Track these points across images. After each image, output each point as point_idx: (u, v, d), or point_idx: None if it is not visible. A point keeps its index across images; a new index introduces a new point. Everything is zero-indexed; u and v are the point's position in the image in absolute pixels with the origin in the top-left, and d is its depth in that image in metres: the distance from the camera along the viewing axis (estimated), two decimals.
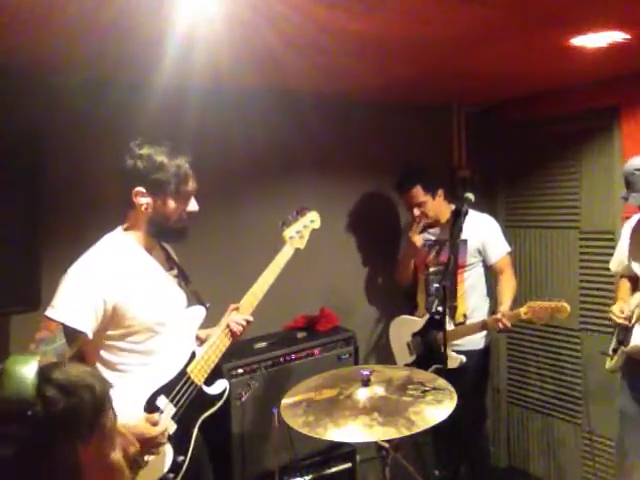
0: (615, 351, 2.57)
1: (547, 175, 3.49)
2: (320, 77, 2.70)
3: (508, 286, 3.06)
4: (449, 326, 2.97)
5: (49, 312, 1.75)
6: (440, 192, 3.18)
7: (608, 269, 2.85)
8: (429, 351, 3.01)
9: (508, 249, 3.15)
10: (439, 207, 3.18)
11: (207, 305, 2.10)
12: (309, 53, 2.23)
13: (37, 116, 2.33)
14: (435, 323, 3.00)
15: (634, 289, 2.64)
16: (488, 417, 3.39)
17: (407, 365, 3.11)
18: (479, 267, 3.16)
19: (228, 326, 2.09)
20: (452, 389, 1.98)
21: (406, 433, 1.76)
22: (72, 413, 0.78)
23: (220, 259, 2.87)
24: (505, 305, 2.95)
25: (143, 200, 1.88)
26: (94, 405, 0.81)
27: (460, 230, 2.75)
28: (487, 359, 3.22)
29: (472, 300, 3.12)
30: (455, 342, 3.00)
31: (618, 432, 2.80)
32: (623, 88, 3.02)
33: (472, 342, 3.06)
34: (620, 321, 2.52)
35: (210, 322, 2.14)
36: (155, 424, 1.79)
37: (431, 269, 3.19)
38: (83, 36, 1.88)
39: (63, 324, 1.73)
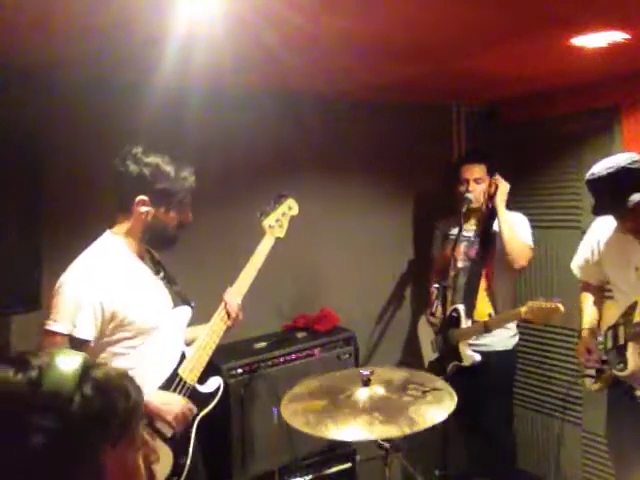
0: (599, 371, 2.41)
1: (547, 175, 3.49)
2: (320, 77, 2.70)
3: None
4: (466, 324, 3.00)
5: (53, 326, 1.72)
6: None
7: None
8: (448, 348, 3.01)
9: (530, 245, 3.06)
10: (481, 199, 3.15)
11: (192, 304, 2.10)
12: (309, 53, 2.23)
13: (37, 116, 2.33)
14: (451, 320, 3.02)
15: (598, 301, 2.50)
16: (514, 418, 3.38)
17: (432, 362, 3.13)
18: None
19: (225, 306, 2.09)
20: (452, 390, 1.98)
21: (407, 431, 1.77)
22: (105, 414, 0.79)
23: (215, 260, 2.87)
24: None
25: (144, 209, 1.85)
26: (127, 410, 0.82)
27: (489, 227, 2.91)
28: (514, 360, 3.21)
29: (500, 300, 3.09)
30: (481, 342, 3.04)
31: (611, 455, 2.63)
32: (623, 88, 3.01)
33: (500, 343, 3.07)
34: (591, 365, 2.38)
35: (195, 321, 2.13)
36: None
37: (459, 264, 3.16)
38: (83, 36, 1.88)
39: (70, 335, 1.71)
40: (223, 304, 2.11)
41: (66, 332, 1.71)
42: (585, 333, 2.49)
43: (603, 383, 2.41)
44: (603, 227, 2.44)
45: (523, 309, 2.66)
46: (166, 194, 1.87)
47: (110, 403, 0.80)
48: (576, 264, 2.62)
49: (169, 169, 1.86)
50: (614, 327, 2.35)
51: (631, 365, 2.22)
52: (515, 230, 3.01)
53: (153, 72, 2.18)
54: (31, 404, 0.75)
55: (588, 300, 2.58)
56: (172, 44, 1.88)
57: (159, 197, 1.86)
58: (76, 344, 1.71)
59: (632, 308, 2.25)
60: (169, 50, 1.93)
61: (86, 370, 0.81)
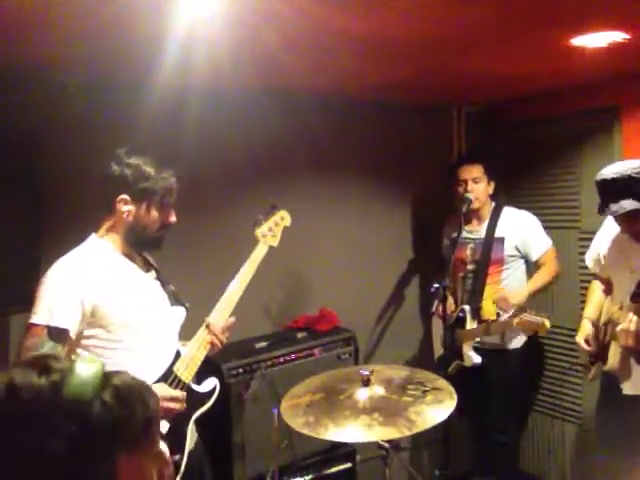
0: (593, 363, 2.55)
1: (547, 175, 3.49)
2: (320, 77, 2.70)
3: (538, 277, 3.11)
4: (471, 325, 3.01)
5: (33, 319, 1.74)
6: (492, 184, 3.19)
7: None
8: (454, 347, 3.03)
9: (550, 243, 3.15)
10: (486, 197, 3.18)
11: (186, 305, 2.11)
12: (309, 53, 2.23)
13: (37, 116, 2.33)
14: (458, 321, 3.05)
15: (607, 292, 2.59)
16: (515, 419, 3.38)
17: (440, 356, 3.14)
18: (520, 265, 3.15)
19: (208, 327, 2.09)
20: (452, 389, 1.98)
21: (407, 433, 1.77)
22: (123, 422, 0.80)
23: (214, 260, 2.85)
24: (525, 290, 3.06)
25: (125, 208, 1.89)
26: (145, 419, 0.83)
27: (494, 228, 3.00)
28: (521, 359, 3.21)
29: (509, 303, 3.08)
30: (488, 340, 3.05)
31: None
32: (623, 88, 3.01)
33: (507, 341, 3.07)
34: (588, 349, 2.52)
35: (190, 323, 2.13)
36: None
37: (469, 267, 3.18)
38: (83, 36, 1.88)
39: (47, 326, 1.72)
40: (205, 327, 2.09)
41: (44, 323, 1.72)
42: (585, 323, 2.59)
43: (595, 373, 2.54)
44: (614, 224, 2.50)
45: (515, 320, 2.75)
46: (147, 193, 1.90)
47: (129, 411, 0.81)
48: (588, 256, 2.71)
49: (150, 169, 1.89)
50: (606, 324, 2.46)
51: (609, 362, 2.41)
52: (541, 279, 3.12)
53: (153, 72, 2.18)
54: (53, 407, 0.76)
55: (596, 291, 2.67)
56: (172, 44, 1.88)
57: (140, 196, 1.89)
58: (54, 334, 1.72)
59: (620, 309, 2.34)
60: (169, 50, 1.93)
61: (106, 377, 0.82)
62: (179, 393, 1.90)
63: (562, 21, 1.98)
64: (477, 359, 2.95)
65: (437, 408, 1.87)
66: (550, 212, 3.46)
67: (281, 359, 2.77)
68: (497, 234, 3.12)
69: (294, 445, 2.64)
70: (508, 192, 3.69)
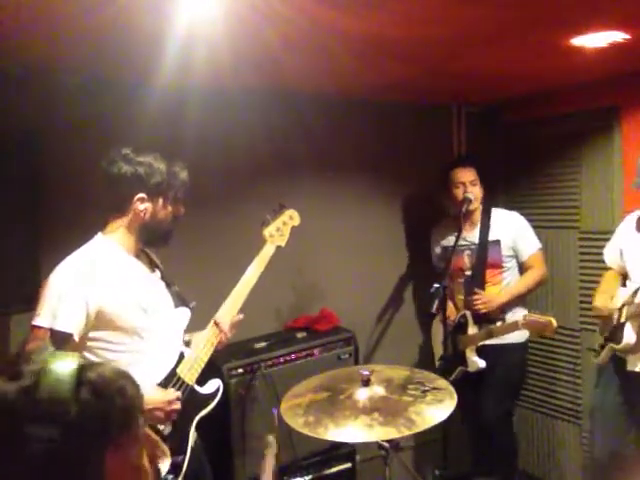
0: (602, 347, 2.64)
1: (547, 175, 3.49)
2: (320, 77, 2.70)
3: (523, 281, 3.12)
4: (472, 330, 3.02)
5: (36, 321, 1.73)
6: (483, 187, 3.19)
7: (608, 269, 2.86)
8: (456, 353, 3.03)
9: (539, 246, 3.16)
10: (479, 200, 3.18)
11: (191, 305, 2.11)
12: (309, 53, 2.23)
13: (37, 116, 2.33)
14: (459, 326, 3.06)
15: (622, 283, 2.70)
16: (514, 414, 3.41)
17: (441, 362, 3.11)
18: (516, 265, 3.16)
19: (217, 325, 2.09)
20: (452, 389, 1.98)
21: (406, 433, 1.77)
22: (104, 416, 0.78)
23: (216, 260, 2.87)
24: (504, 294, 3.07)
25: (143, 206, 1.89)
26: (125, 409, 0.81)
27: (487, 231, 3.04)
28: (524, 353, 3.25)
29: (509, 303, 3.09)
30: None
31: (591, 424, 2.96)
32: (623, 88, 3.01)
33: (511, 336, 3.05)
34: (605, 313, 2.61)
35: (196, 322, 2.13)
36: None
37: (467, 272, 3.19)
38: (83, 36, 1.88)
39: (50, 329, 1.71)
40: (212, 326, 2.10)
41: (47, 325, 1.71)
42: (605, 297, 2.69)
43: (604, 356, 2.64)
44: (631, 221, 2.65)
45: (520, 320, 2.78)
46: (163, 189, 1.91)
47: (108, 404, 0.78)
48: (606, 252, 2.83)
49: (162, 166, 1.91)
50: (620, 308, 2.56)
51: (624, 339, 2.52)
52: (526, 284, 3.13)
53: (153, 72, 2.18)
54: (27, 414, 0.73)
55: (610, 279, 2.79)
56: (172, 44, 1.88)
57: (156, 192, 1.91)
58: (57, 337, 1.71)
59: (636, 292, 2.51)
60: (169, 50, 1.93)
61: (81, 373, 0.79)
62: (174, 395, 1.88)
63: (562, 21, 1.98)
64: (482, 364, 2.96)
65: (437, 408, 1.87)
66: (550, 212, 3.46)
67: (281, 359, 2.77)
68: (491, 237, 3.13)
69: (294, 445, 2.64)
70: (508, 192, 3.70)
